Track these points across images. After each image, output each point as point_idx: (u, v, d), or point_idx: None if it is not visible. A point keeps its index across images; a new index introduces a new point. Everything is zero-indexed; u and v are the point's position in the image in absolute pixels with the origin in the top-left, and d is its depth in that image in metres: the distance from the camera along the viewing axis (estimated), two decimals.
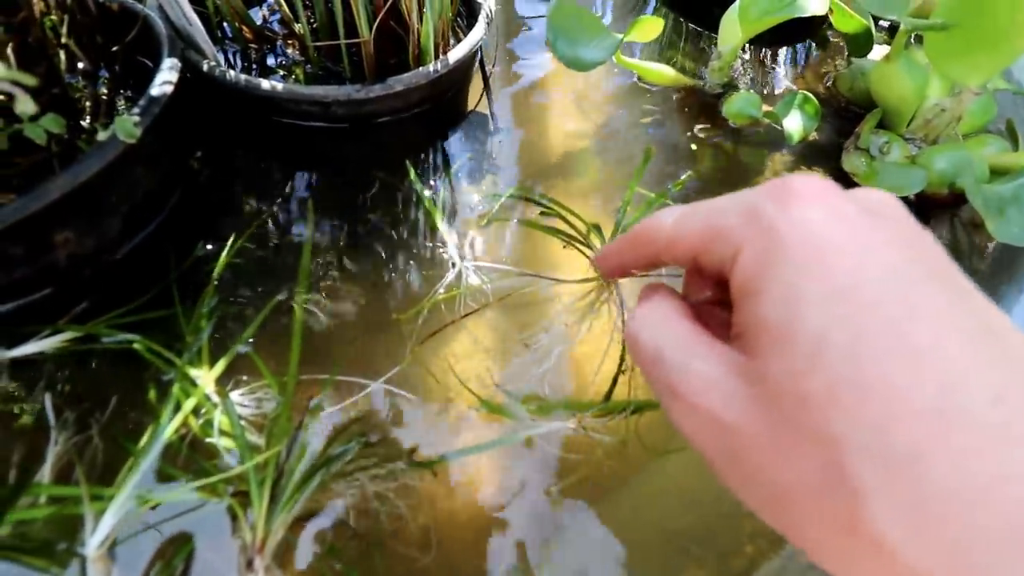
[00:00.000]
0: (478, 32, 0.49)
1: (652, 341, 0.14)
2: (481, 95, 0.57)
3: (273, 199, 0.47)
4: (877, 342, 0.10)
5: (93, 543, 0.29)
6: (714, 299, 0.16)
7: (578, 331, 0.42)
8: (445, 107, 0.53)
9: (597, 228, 0.46)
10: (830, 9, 0.51)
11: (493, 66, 0.59)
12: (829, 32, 0.65)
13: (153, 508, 0.31)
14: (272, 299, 0.41)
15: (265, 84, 0.43)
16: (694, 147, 0.55)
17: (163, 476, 0.32)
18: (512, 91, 0.58)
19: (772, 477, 0.11)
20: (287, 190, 0.48)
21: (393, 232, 0.46)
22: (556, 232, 0.46)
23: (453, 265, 0.44)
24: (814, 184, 0.12)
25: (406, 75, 0.44)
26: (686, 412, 0.12)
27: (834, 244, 0.11)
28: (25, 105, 0.31)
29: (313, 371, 0.38)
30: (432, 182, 0.50)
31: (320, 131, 0.48)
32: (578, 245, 0.46)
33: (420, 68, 0.45)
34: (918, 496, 0.09)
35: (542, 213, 0.47)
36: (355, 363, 0.39)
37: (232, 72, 0.43)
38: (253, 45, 0.54)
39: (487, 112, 0.56)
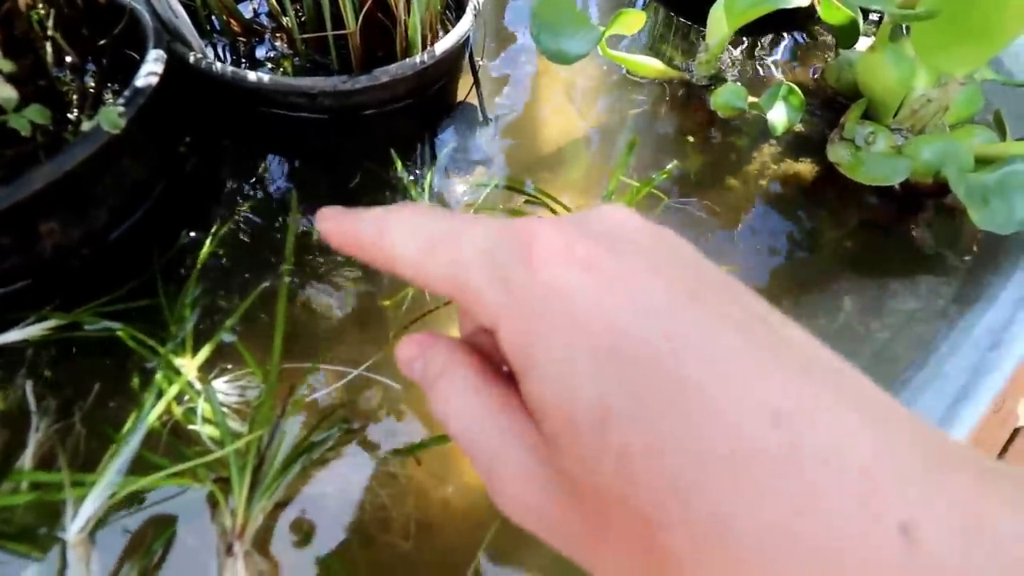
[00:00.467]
0: (465, 23, 0.49)
1: (464, 430, 0.12)
2: (471, 87, 0.57)
3: (259, 188, 0.47)
4: (654, 395, 0.10)
5: (73, 528, 0.29)
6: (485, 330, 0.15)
7: None
8: (434, 99, 0.53)
9: None
10: (816, 0, 0.51)
11: (482, 58, 0.59)
12: (817, 24, 0.66)
13: (133, 494, 0.31)
14: (257, 287, 0.41)
15: (251, 76, 0.43)
16: (690, 138, 0.55)
17: (145, 462, 0.33)
18: (502, 83, 0.58)
19: (605, 569, 0.11)
20: (274, 179, 0.48)
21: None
22: None
23: None
24: (554, 236, 0.11)
25: (392, 66, 0.45)
26: (511, 506, 0.12)
27: (590, 302, 0.11)
28: (4, 91, 0.31)
29: (299, 359, 0.38)
30: (419, 173, 0.50)
31: (308, 122, 0.49)
32: None
33: (407, 59, 0.45)
34: (730, 563, 0.09)
35: (527, 202, 0.47)
36: (342, 350, 0.39)
37: (219, 64, 0.44)
38: (242, 38, 0.54)
39: (476, 104, 0.56)
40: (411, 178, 0.48)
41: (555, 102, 0.57)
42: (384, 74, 0.44)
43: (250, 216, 0.45)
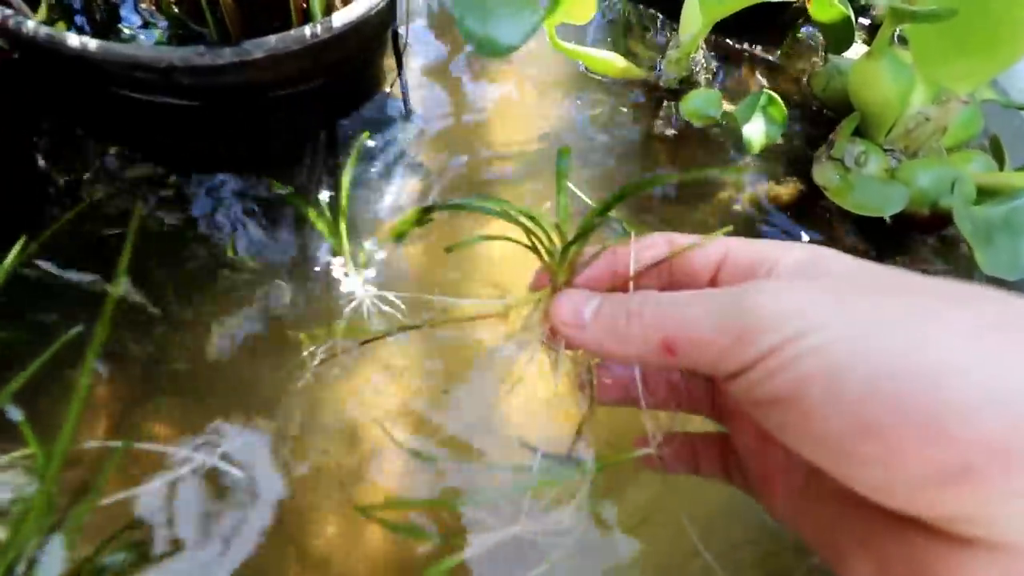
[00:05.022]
0: None
1: None
2: (395, 77, 0.47)
3: (102, 186, 0.36)
4: None
5: None
6: None
7: (507, 370, 0.33)
8: (343, 86, 0.43)
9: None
10: None
11: (406, 41, 0.49)
12: (805, 27, 0.58)
13: None
14: (62, 333, 0.30)
15: (72, 41, 0.32)
16: (653, 145, 0.46)
17: None
18: (435, 73, 0.48)
19: None
20: (114, 185, 0.37)
21: (265, 247, 0.36)
22: (506, 215, 0.37)
23: (343, 286, 0.34)
24: None
25: (271, 38, 0.34)
26: None
27: None
28: None
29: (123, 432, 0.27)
30: (324, 182, 0.40)
31: (170, 109, 0.37)
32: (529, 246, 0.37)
33: (292, 31, 0.35)
34: None
35: (452, 207, 0.38)
36: (177, 421, 0.29)
37: (30, 23, 0.32)
38: (98, 1, 0.43)
39: (400, 97, 0.46)
40: (323, 196, 0.38)
41: (499, 98, 0.48)
42: (258, 48, 0.34)
43: (81, 223, 0.34)
